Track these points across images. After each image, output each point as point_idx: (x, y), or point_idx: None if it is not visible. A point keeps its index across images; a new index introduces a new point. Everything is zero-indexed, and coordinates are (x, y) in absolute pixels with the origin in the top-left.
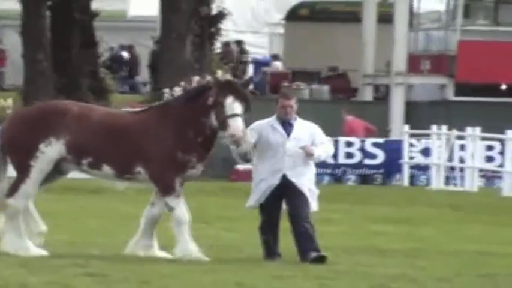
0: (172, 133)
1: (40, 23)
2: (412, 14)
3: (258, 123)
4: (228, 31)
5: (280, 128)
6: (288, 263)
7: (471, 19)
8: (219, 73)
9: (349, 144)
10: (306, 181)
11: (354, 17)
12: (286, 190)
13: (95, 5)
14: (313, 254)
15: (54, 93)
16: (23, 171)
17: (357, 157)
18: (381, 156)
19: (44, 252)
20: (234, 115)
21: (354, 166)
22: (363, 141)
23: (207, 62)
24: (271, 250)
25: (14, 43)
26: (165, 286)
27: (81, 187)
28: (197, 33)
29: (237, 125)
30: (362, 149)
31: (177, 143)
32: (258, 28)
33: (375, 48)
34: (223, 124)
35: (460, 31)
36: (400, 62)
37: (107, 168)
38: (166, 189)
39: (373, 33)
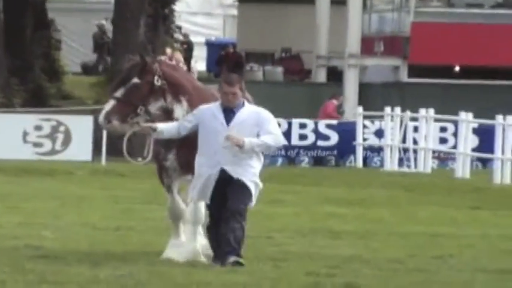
0: None
1: None
2: None
3: (199, 108)
4: (181, 13)
5: (221, 116)
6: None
7: (424, 1)
8: (167, 51)
9: (302, 125)
10: (248, 174)
11: None
12: (227, 185)
13: None
14: (232, 259)
15: (7, 75)
16: None
17: (311, 139)
18: (334, 138)
19: None
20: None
21: (308, 148)
22: (316, 123)
23: (160, 43)
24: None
25: None
26: (116, 267)
27: (36, 169)
28: (151, 15)
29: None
30: (315, 131)
31: None
32: (212, 10)
33: (328, 29)
34: None
35: (414, 12)
36: (353, 43)
37: None
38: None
39: (327, 15)
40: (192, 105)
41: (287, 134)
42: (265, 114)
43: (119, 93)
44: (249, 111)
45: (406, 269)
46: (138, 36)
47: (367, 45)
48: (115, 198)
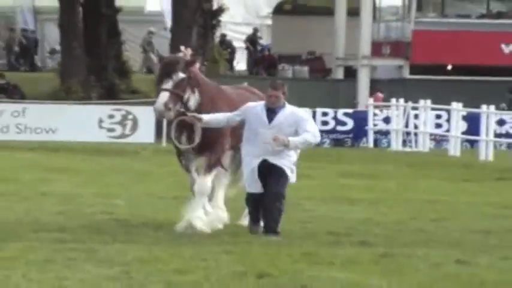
0: None
1: (74, 17)
2: (375, 8)
3: (247, 105)
4: (226, 23)
5: (264, 115)
6: None
7: (423, 12)
8: (182, 48)
9: (324, 114)
10: (286, 161)
11: (328, 11)
12: (268, 171)
13: (118, 2)
14: (272, 237)
15: (86, 73)
16: None
17: (331, 124)
18: (350, 124)
19: None
20: (161, 90)
21: (329, 132)
22: (335, 112)
23: (209, 48)
24: (255, 218)
25: (52, 34)
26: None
27: (109, 150)
28: (201, 25)
29: (159, 98)
30: (335, 118)
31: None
32: (251, 20)
33: (345, 36)
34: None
35: (414, 22)
36: (365, 47)
37: None
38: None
39: (344, 24)
40: (202, 96)
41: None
42: (303, 114)
43: (169, 85)
44: (289, 112)
45: (408, 229)
46: (191, 43)
47: (377, 49)
48: (173, 173)
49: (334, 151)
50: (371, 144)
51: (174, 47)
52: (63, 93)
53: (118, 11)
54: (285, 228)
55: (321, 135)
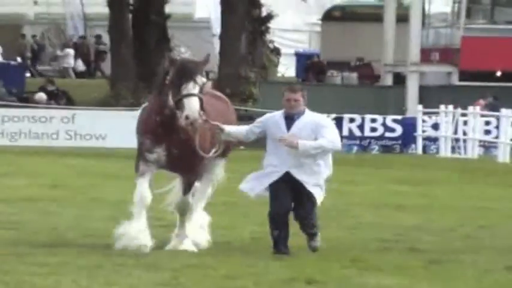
0: (144, 114)
1: (124, 24)
2: (424, 15)
3: (265, 116)
4: (275, 29)
5: (282, 123)
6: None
7: (472, 19)
8: (182, 50)
9: (373, 120)
10: (312, 177)
11: (377, 17)
12: (292, 186)
13: (167, 9)
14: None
15: (136, 80)
16: None
17: (380, 131)
18: (399, 130)
19: None
20: (189, 95)
21: (378, 138)
22: (384, 118)
23: (258, 54)
24: (278, 240)
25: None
26: (223, 234)
27: None
28: (250, 31)
29: (191, 104)
30: (384, 124)
31: (141, 124)
32: (300, 27)
33: (394, 42)
34: (178, 104)
35: (463, 29)
36: (414, 53)
37: None
38: (135, 168)
39: (393, 31)
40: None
41: (361, 127)
42: (323, 121)
43: (196, 90)
44: (308, 119)
45: (457, 236)
46: (240, 49)
47: (426, 55)
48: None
49: (382, 157)
50: (420, 150)
51: (223, 54)
52: (112, 100)
53: (167, 18)
54: (334, 235)
55: (370, 142)
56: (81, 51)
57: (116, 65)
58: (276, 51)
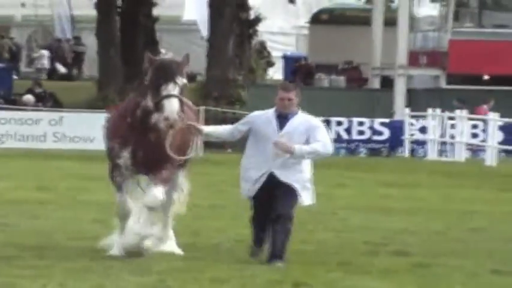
0: (116, 117)
1: (112, 26)
2: (412, 18)
3: (253, 114)
4: (263, 32)
5: (274, 122)
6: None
7: (459, 22)
8: (162, 51)
9: (360, 123)
10: (298, 178)
11: (365, 21)
12: (275, 187)
13: (156, 12)
14: (277, 264)
15: (123, 82)
16: None
17: (367, 134)
18: (386, 133)
19: None
20: (169, 96)
21: (365, 141)
22: (372, 121)
23: (246, 57)
24: (258, 240)
25: (90, 42)
26: (212, 236)
27: None
28: (238, 34)
29: (171, 106)
30: (371, 127)
31: (111, 127)
32: (287, 30)
33: (381, 46)
34: (157, 106)
35: (451, 32)
36: (402, 57)
37: None
38: (110, 180)
39: (380, 34)
40: None
41: (348, 130)
42: (316, 122)
43: (176, 91)
44: (301, 119)
45: (445, 239)
46: (228, 52)
47: (413, 58)
48: (209, 182)
49: (370, 160)
50: (407, 153)
51: (211, 57)
52: (100, 102)
53: (155, 20)
54: (320, 238)
55: (357, 145)
56: (59, 53)
57: (103, 68)
58: (265, 55)
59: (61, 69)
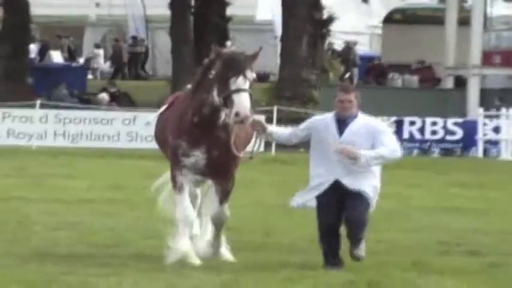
0: (175, 115)
1: (185, 26)
2: (486, 17)
3: (313, 119)
4: (336, 32)
5: (334, 127)
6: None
7: None
8: (228, 44)
9: (434, 123)
10: (366, 183)
11: (438, 20)
12: (342, 195)
13: (229, 11)
14: (359, 252)
15: None
16: None
17: (440, 134)
18: (459, 133)
19: None
20: (239, 90)
21: (438, 141)
22: (445, 121)
23: (319, 57)
24: (328, 252)
25: (164, 42)
26: (284, 236)
27: None
28: (311, 34)
29: (242, 101)
30: (444, 127)
31: (172, 126)
32: (361, 29)
33: (455, 45)
34: (226, 101)
35: None
36: (475, 56)
37: None
38: (171, 180)
39: (454, 33)
40: None
41: (421, 130)
42: (380, 126)
43: (247, 86)
44: (362, 123)
45: None
46: (301, 52)
47: (487, 58)
48: (282, 182)
49: (443, 160)
50: (480, 153)
51: (284, 57)
52: None
53: (229, 20)
54: (394, 237)
55: (430, 145)
56: (115, 53)
57: (177, 67)
58: (339, 55)
59: (106, 68)
